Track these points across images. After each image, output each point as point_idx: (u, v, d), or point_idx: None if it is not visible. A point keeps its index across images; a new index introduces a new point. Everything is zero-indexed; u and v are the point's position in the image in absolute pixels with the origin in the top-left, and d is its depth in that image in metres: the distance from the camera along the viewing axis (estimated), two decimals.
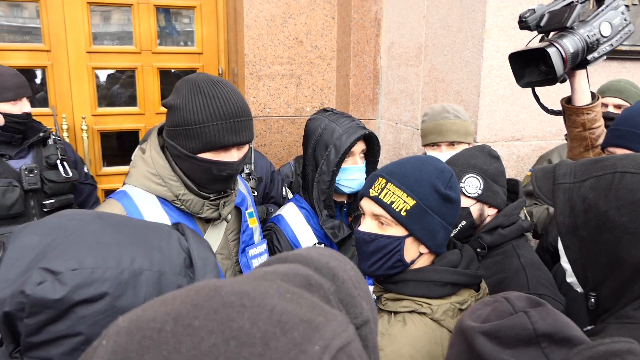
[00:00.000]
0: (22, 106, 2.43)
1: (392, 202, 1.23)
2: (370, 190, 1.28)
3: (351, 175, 1.78)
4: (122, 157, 3.83)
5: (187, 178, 1.42)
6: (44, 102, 3.54)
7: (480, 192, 1.62)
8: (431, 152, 2.24)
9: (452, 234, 1.59)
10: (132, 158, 1.47)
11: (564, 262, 1.06)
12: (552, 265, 1.89)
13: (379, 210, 1.26)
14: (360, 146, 1.80)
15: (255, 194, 2.42)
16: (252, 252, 1.68)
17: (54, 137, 2.60)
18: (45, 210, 2.43)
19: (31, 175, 2.36)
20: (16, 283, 0.70)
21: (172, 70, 3.88)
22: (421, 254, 1.28)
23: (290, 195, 2.75)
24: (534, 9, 1.54)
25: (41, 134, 2.51)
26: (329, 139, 1.75)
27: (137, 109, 3.77)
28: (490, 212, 1.66)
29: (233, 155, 1.40)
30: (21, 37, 3.53)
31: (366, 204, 1.30)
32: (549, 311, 0.81)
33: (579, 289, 1.07)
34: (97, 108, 3.66)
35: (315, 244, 1.85)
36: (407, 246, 1.25)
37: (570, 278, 1.07)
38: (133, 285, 0.72)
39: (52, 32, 3.45)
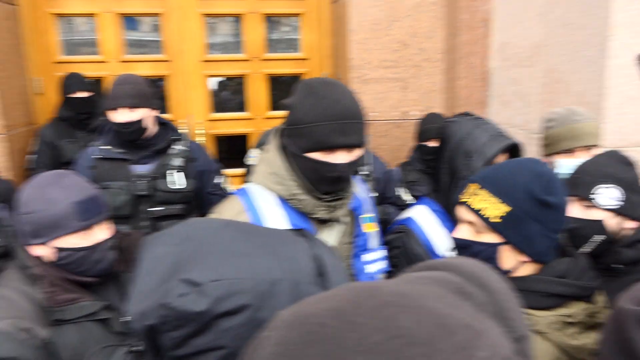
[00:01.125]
0: (122, 116, 2.44)
1: (484, 208, 1.19)
2: (462, 196, 1.24)
3: None
4: (233, 161, 4.01)
5: (304, 178, 1.43)
6: (163, 109, 3.80)
7: (618, 203, 1.49)
8: (564, 160, 2.07)
9: (589, 249, 1.49)
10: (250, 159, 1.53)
11: None
12: None
13: (470, 216, 1.22)
14: (503, 156, 1.72)
15: (376, 194, 2.40)
16: (367, 257, 1.64)
17: (178, 146, 2.59)
18: (152, 216, 2.49)
19: (140, 182, 2.45)
20: (154, 295, 0.69)
21: (279, 77, 4.00)
22: (522, 262, 1.20)
23: (408, 197, 2.71)
24: None
25: (165, 143, 2.55)
26: (471, 145, 1.68)
27: (247, 114, 3.93)
28: (629, 225, 1.52)
29: (340, 158, 1.38)
30: (142, 50, 3.82)
31: (459, 210, 1.26)
32: None
33: None
34: (211, 113, 3.86)
35: (449, 249, 1.81)
36: (503, 254, 1.20)
37: None
38: (271, 297, 0.68)
39: (172, 43, 3.70)
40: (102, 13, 3.60)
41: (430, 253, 1.77)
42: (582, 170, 1.57)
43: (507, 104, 3.25)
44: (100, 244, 1.51)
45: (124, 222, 2.41)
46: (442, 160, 1.78)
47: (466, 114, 1.82)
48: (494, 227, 1.18)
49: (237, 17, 3.82)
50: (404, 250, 1.81)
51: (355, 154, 1.42)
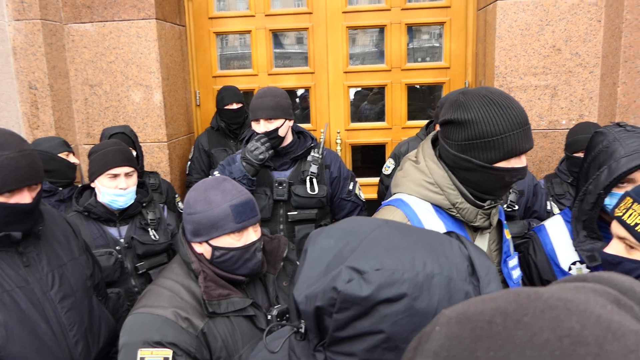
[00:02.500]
0: (261, 126, 2.57)
1: (638, 224, 1.14)
2: (616, 210, 1.19)
3: None
4: (370, 170, 4.07)
5: (465, 187, 1.45)
6: (306, 119, 3.98)
7: None
8: None
9: None
10: (402, 167, 1.55)
11: None
12: None
13: (623, 232, 1.18)
14: None
15: (517, 207, 2.31)
16: (511, 263, 1.65)
17: (313, 153, 2.71)
18: (289, 220, 2.65)
19: (280, 187, 2.61)
20: (319, 281, 0.76)
21: (418, 86, 3.98)
22: None
23: (556, 211, 2.56)
24: None
25: (302, 151, 2.69)
26: (606, 158, 1.58)
27: (385, 124, 3.97)
28: None
29: (523, 161, 1.42)
30: (287, 61, 4.05)
31: (613, 225, 1.22)
32: None
33: None
34: (350, 123, 3.96)
35: (571, 264, 1.71)
36: None
37: None
38: (427, 289, 0.73)
39: (317, 55, 3.86)
40: (255, 30, 3.88)
41: (553, 264, 1.72)
42: None
43: None
44: (251, 245, 1.63)
45: (263, 225, 2.55)
46: (581, 170, 1.70)
47: (618, 125, 1.66)
48: None
49: (381, 28, 3.88)
50: (525, 256, 1.79)
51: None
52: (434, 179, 1.45)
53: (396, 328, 0.71)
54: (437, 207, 1.48)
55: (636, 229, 1.14)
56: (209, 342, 1.53)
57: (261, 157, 2.49)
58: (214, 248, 1.60)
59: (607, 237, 1.66)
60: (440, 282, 0.73)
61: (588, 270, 1.67)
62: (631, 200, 1.17)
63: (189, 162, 3.71)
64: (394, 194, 1.56)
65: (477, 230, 1.55)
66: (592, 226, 1.63)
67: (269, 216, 2.63)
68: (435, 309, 0.72)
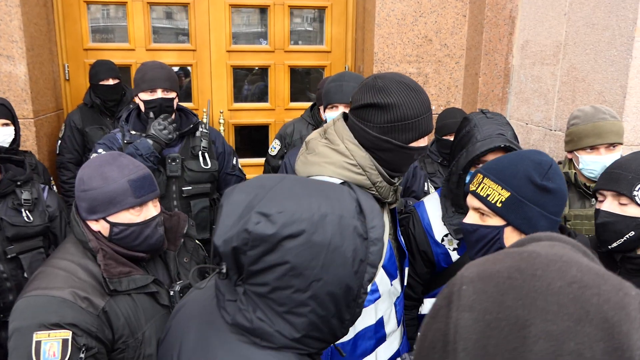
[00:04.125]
0: (155, 96, 2.58)
1: (488, 195, 1.33)
2: (471, 185, 1.39)
3: None
4: (252, 151, 4.09)
5: (382, 167, 1.54)
6: (188, 97, 3.88)
7: None
8: (586, 157, 2.15)
9: (616, 244, 1.55)
10: (315, 150, 1.59)
11: None
12: None
13: (477, 203, 1.37)
14: (495, 155, 1.76)
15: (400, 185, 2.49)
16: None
17: (202, 129, 2.76)
18: (183, 195, 2.64)
19: (173, 163, 2.58)
20: (235, 227, 0.90)
21: (299, 68, 4.07)
22: None
23: (432, 191, 2.80)
24: None
25: (191, 126, 2.70)
26: (466, 142, 1.80)
27: (268, 105, 4.01)
28: None
29: (426, 140, 1.56)
30: (170, 38, 3.90)
31: (468, 199, 1.41)
32: None
33: None
34: (233, 103, 3.94)
35: (444, 236, 1.91)
36: (507, 235, 1.33)
37: None
38: (322, 225, 0.89)
39: (199, 33, 3.77)
40: (131, 1, 3.67)
41: (428, 236, 1.93)
42: (623, 166, 1.58)
43: (526, 101, 3.32)
44: (152, 220, 1.59)
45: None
46: (451, 151, 1.93)
47: (481, 111, 1.90)
48: (497, 211, 1.33)
49: (263, 8, 3.88)
50: (406, 229, 1.98)
51: None
52: (356, 161, 1.52)
53: (298, 258, 0.88)
54: (357, 187, 1.55)
55: (488, 199, 1.33)
56: (111, 320, 1.48)
57: (170, 136, 2.50)
58: (113, 224, 1.54)
59: None
60: (333, 219, 0.91)
61: (457, 241, 1.89)
62: (482, 176, 1.36)
63: (59, 141, 3.43)
64: (308, 177, 1.58)
65: (383, 206, 1.65)
66: (459, 202, 1.84)
67: (163, 193, 2.58)
68: (329, 240, 0.89)
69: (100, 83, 3.37)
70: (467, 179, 1.80)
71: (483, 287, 0.49)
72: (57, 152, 3.43)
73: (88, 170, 1.55)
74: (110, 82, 3.39)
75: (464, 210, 1.86)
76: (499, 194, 1.32)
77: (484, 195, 1.34)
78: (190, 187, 2.66)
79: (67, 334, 1.36)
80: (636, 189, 1.53)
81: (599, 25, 2.68)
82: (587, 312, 0.44)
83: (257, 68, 4.00)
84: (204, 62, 3.82)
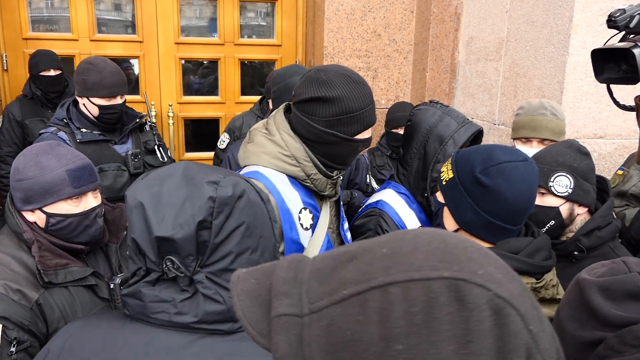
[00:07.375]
0: (115, 102, 2.51)
1: (442, 172, 1.38)
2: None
3: None
4: (202, 144, 4.04)
5: (319, 159, 1.54)
6: (135, 90, 3.78)
7: (570, 191, 1.60)
8: (521, 147, 2.21)
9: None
10: (254, 140, 1.57)
11: None
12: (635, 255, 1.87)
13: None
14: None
15: (341, 178, 2.50)
16: (345, 226, 1.80)
17: (149, 123, 2.72)
18: None
19: (136, 160, 2.53)
20: (185, 209, 0.91)
21: (249, 62, 4.04)
22: (457, 229, 1.33)
23: (374, 184, 2.83)
24: (624, 9, 1.51)
25: (137, 120, 2.64)
26: (444, 131, 1.77)
27: (218, 98, 3.96)
28: (580, 211, 1.64)
29: (370, 132, 1.57)
30: (117, 30, 3.79)
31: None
32: None
33: None
34: (182, 96, 3.87)
35: (419, 228, 1.93)
36: (445, 215, 1.37)
37: None
38: (247, 186, 1.00)
39: (145, 24, 3.68)
40: None
41: None
42: (539, 159, 1.65)
43: (471, 96, 3.41)
44: (91, 211, 1.55)
45: (121, 201, 2.44)
46: (412, 145, 1.86)
47: (432, 102, 1.90)
48: (441, 188, 1.38)
49: (212, 1, 3.83)
50: (377, 231, 1.89)
51: None
52: (290, 152, 1.51)
53: (249, 217, 0.96)
54: (292, 179, 1.55)
55: (441, 175, 1.38)
56: (45, 313, 1.43)
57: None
58: (49, 215, 1.49)
59: None
60: (246, 185, 1.00)
61: None
62: (452, 158, 1.38)
63: None
64: (245, 166, 1.59)
65: (323, 199, 1.66)
66: (423, 187, 1.85)
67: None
68: (254, 199, 0.99)
69: (41, 74, 3.24)
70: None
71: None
72: None
73: (23, 159, 1.49)
74: (52, 72, 3.27)
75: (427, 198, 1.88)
76: (447, 174, 1.35)
77: (441, 171, 1.39)
78: None
79: None
80: (551, 180, 1.61)
81: (537, 23, 2.79)
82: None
83: (206, 61, 3.95)
84: (152, 54, 3.74)
